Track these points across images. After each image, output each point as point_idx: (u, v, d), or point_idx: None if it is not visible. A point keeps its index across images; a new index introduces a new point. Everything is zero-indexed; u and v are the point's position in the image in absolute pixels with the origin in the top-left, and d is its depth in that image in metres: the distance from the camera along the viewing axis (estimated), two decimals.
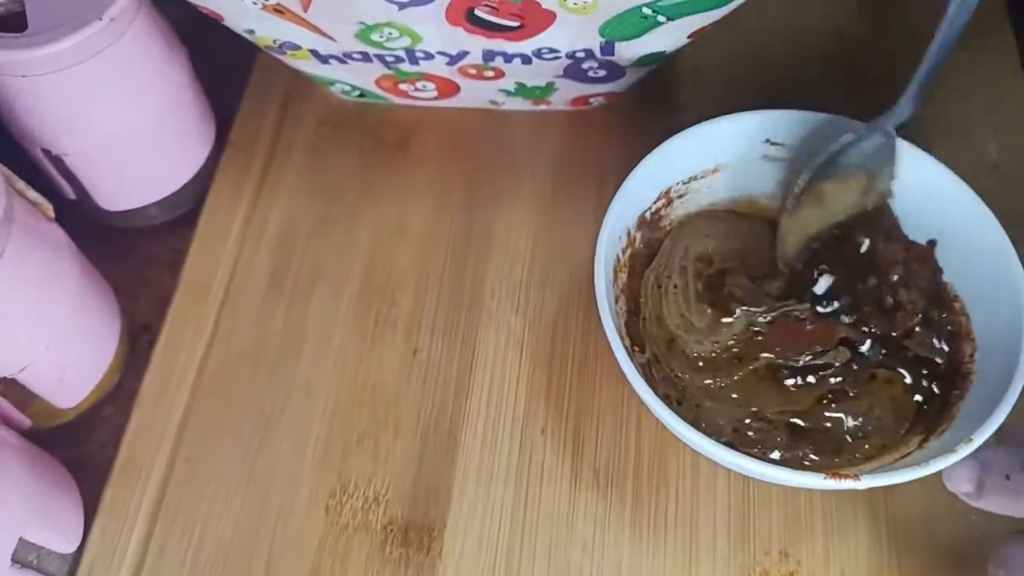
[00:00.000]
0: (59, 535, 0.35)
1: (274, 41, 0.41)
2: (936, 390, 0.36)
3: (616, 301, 0.37)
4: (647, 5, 0.35)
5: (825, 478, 0.31)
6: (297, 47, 0.41)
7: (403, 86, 0.45)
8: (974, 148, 0.46)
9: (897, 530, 0.37)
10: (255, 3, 0.36)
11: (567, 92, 0.45)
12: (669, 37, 0.38)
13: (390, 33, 0.39)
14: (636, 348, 0.37)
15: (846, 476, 0.30)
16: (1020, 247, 0.43)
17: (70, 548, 0.36)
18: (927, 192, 0.37)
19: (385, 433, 0.39)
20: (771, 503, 0.37)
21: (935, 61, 0.36)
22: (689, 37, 0.39)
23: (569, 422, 0.39)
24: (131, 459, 0.39)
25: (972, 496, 0.31)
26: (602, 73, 0.42)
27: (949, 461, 0.31)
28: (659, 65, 0.42)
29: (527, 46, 0.39)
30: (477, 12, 0.36)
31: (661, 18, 0.36)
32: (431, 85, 0.45)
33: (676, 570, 0.36)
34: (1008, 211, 0.44)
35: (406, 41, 0.39)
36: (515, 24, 0.37)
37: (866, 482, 0.31)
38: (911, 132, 0.38)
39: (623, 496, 0.38)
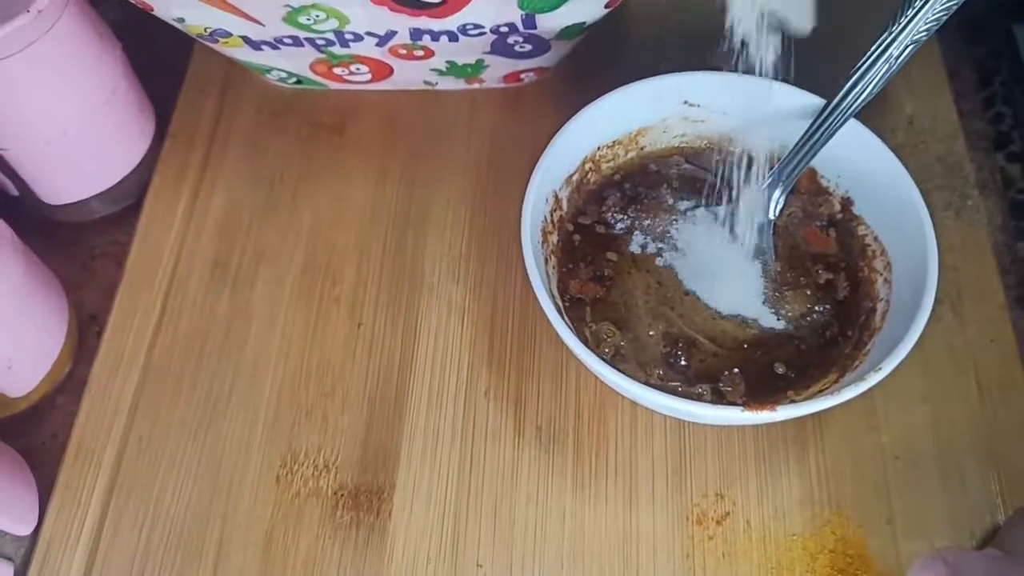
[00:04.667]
0: (14, 518, 0.36)
1: (205, 29, 0.41)
2: (851, 331, 0.38)
3: (547, 261, 0.38)
4: None
5: (743, 410, 0.32)
6: (228, 34, 0.42)
7: (337, 70, 0.47)
8: (891, 104, 0.48)
9: (826, 469, 0.39)
10: None
11: (497, 69, 0.46)
12: (586, 7, 0.40)
13: (317, 15, 0.40)
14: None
15: (763, 408, 0.32)
16: (933, 193, 0.45)
17: (25, 531, 0.37)
18: (845, 146, 0.39)
19: (333, 405, 0.41)
20: (706, 450, 0.39)
21: (798, 159, 0.39)
22: (606, 7, 0.40)
23: (511, 383, 0.41)
24: (83, 443, 0.40)
25: None
26: (528, 47, 0.44)
27: (859, 389, 0.33)
28: (584, 37, 0.44)
29: (451, 23, 0.40)
30: None
31: None
32: (365, 68, 0.46)
33: (617, 516, 0.38)
34: (922, 161, 0.46)
35: (334, 23, 0.40)
36: (437, 0, 0.38)
37: (782, 413, 0.32)
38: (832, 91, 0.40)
39: (564, 450, 0.39)
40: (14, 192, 0.44)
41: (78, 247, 0.46)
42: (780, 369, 0.37)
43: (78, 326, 0.43)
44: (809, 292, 0.39)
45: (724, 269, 0.40)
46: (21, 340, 0.39)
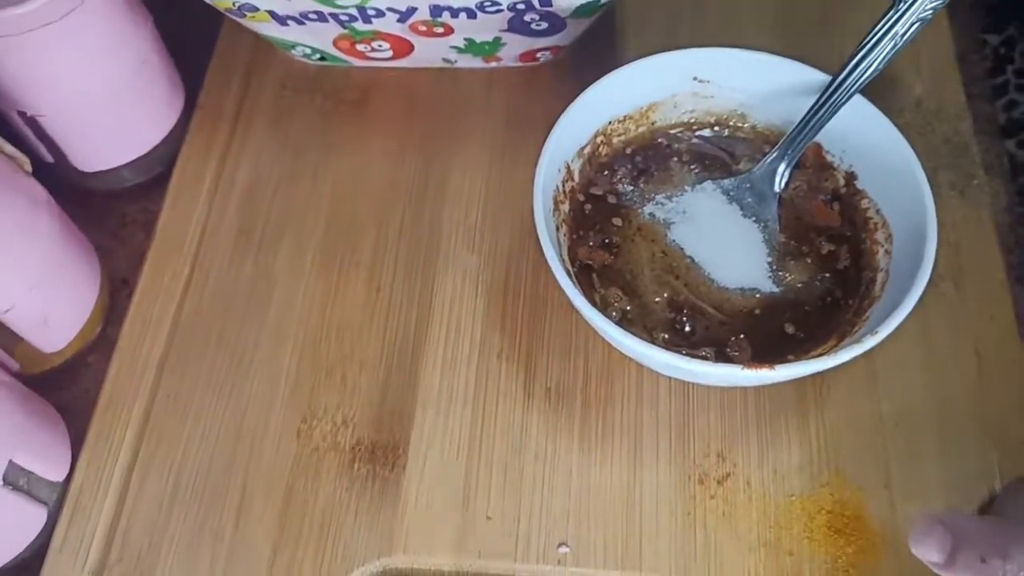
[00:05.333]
0: (47, 463, 0.38)
1: (233, 3, 0.43)
2: (852, 300, 0.39)
3: (558, 229, 0.40)
4: None
5: (742, 369, 0.34)
6: (255, 8, 0.44)
7: (360, 47, 0.48)
8: (900, 85, 0.49)
9: (826, 434, 0.40)
10: None
11: (514, 47, 0.48)
12: None
13: None
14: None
15: (761, 367, 0.33)
16: (938, 173, 0.46)
17: (58, 476, 0.39)
18: (850, 122, 0.40)
19: (351, 365, 0.42)
20: (709, 411, 0.40)
21: (803, 134, 0.40)
22: None
23: (522, 347, 0.42)
24: (114, 396, 0.42)
25: (940, 567, 0.30)
26: (544, 25, 0.45)
27: (855, 352, 0.34)
28: (600, 16, 0.45)
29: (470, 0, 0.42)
30: None
31: None
32: (386, 44, 0.48)
33: (621, 473, 0.39)
34: (928, 141, 0.47)
35: None
36: None
37: (780, 372, 0.33)
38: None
39: (572, 410, 0.40)
40: (49, 159, 0.46)
41: (110, 214, 0.48)
42: (790, 329, 0.39)
43: (109, 289, 0.45)
44: (811, 262, 0.40)
45: (730, 240, 0.41)
46: (56, 298, 0.41)
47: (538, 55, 0.49)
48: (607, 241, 0.41)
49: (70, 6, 0.38)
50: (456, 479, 0.39)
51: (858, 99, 0.39)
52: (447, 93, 0.50)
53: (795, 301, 0.39)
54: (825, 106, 0.39)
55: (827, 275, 0.40)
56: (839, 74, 0.39)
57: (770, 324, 0.39)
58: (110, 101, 0.43)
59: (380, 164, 0.48)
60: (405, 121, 0.50)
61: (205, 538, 0.38)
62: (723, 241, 0.41)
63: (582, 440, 0.40)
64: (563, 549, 0.37)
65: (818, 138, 0.41)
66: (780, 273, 0.40)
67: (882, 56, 0.38)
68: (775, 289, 0.40)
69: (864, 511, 0.38)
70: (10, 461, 0.35)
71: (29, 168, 0.39)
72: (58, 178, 0.44)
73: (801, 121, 0.40)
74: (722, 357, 0.38)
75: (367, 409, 0.41)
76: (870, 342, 0.34)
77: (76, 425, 0.41)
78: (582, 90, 0.41)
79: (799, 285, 0.40)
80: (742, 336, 0.38)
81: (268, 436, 0.40)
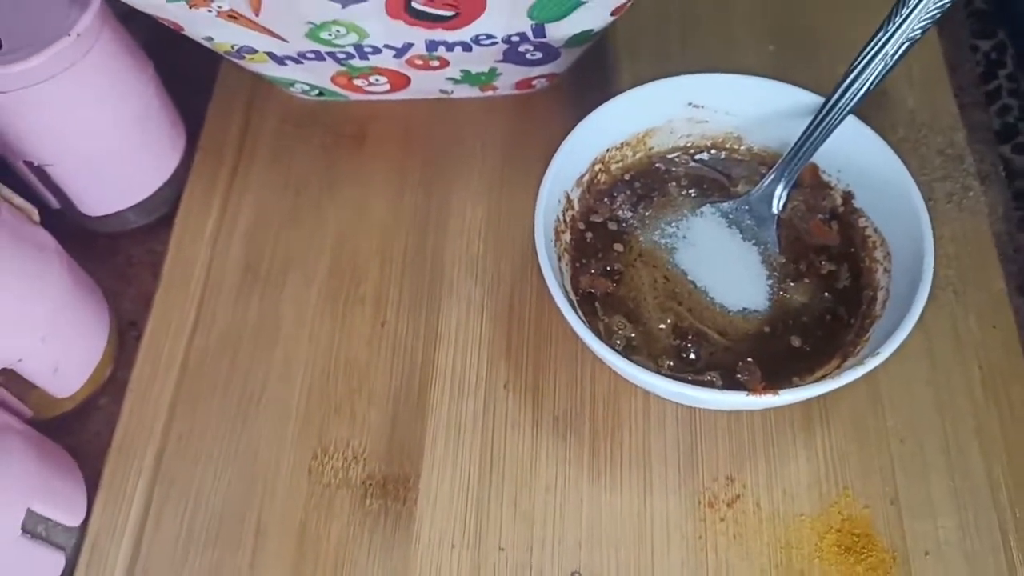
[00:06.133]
0: (64, 510, 0.38)
1: (232, 46, 0.44)
2: (853, 319, 0.39)
3: (560, 259, 0.40)
4: None
5: (747, 395, 0.34)
6: (254, 51, 0.44)
7: (357, 81, 0.49)
8: (892, 99, 0.50)
9: (833, 452, 0.40)
10: (210, 11, 0.40)
11: (510, 76, 0.48)
12: (593, 15, 0.42)
13: (338, 31, 0.42)
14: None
15: (766, 392, 0.34)
16: (934, 185, 0.47)
17: (75, 521, 0.39)
18: (845, 142, 0.41)
19: (360, 400, 0.43)
20: (716, 434, 0.41)
21: (799, 156, 0.40)
22: (612, 14, 0.42)
23: (529, 376, 0.43)
24: (126, 440, 0.42)
25: None
26: (539, 55, 0.46)
27: (858, 373, 0.34)
28: (593, 44, 0.46)
29: (465, 34, 0.42)
30: (414, 5, 0.40)
31: None
32: (383, 79, 0.48)
33: (632, 501, 0.39)
34: (923, 154, 0.48)
35: (353, 37, 0.43)
36: (450, 13, 0.41)
37: (784, 396, 0.34)
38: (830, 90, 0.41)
39: (581, 439, 0.41)
40: (55, 205, 0.46)
41: (116, 256, 0.49)
42: (796, 343, 0.39)
43: (118, 332, 0.46)
44: (812, 282, 0.41)
45: (731, 264, 0.41)
46: (67, 345, 0.41)
47: (534, 83, 0.50)
48: (609, 268, 0.41)
49: (73, 59, 0.39)
50: (468, 511, 0.39)
51: (851, 119, 0.40)
52: (445, 123, 0.51)
53: (798, 321, 0.40)
54: (819, 128, 0.40)
55: (828, 295, 0.40)
56: (831, 96, 0.39)
57: (775, 344, 0.39)
58: (115, 147, 0.44)
59: (381, 196, 0.49)
60: (404, 152, 0.50)
61: None
62: (724, 264, 0.41)
63: (591, 468, 0.40)
64: None
65: (814, 158, 0.42)
66: (781, 294, 0.40)
67: (873, 76, 0.39)
68: (777, 310, 0.40)
69: (872, 528, 0.38)
70: (28, 509, 0.36)
71: (37, 218, 0.40)
72: (64, 223, 0.45)
73: (796, 143, 0.41)
74: (731, 381, 0.38)
75: (377, 443, 0.41)
76: (872, 363, 0.35)
77: (89, 468, 0.42)
78: (579, 116, 0.42)
79: (801, 305, 0.40)
80: (750, 359, 0.39)
81: (280, 475, 0.41)
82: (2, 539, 0.35)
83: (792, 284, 0.41)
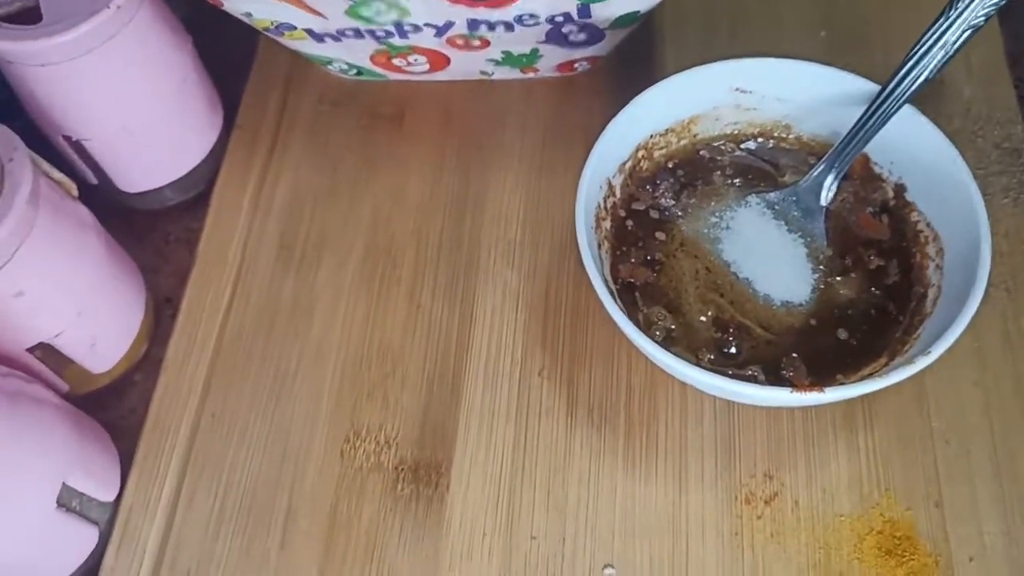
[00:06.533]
0: (98, 484, 0.38)
1: (271, 23, 0.43)
2: (902, 316, 0.38)
3: (600, 246, 0.39)
4: None
5: (791, 392, 0.33)
6: (293, 27, 0.44)
7: (396, 61, 0.48)
8: (949, 90, 0.48)
9: (875, 452, 0.39)
10: None
11: (552, 58, 0.47)
12: None
13: (378, 8, 0.41)
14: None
15: (811, 389, 0.33)
16: (990, 179, 0.45)
17: (109, 497, 0.39)
18: (899, 132, 0.39)
19: (393, 384, 0.42)
20: (755, 429, 0.40)
21: (851, 146, 0.39)
22: None
23: (564, 364, 0.42)
24: (160, 417, 0.42)
25: None
26: (582, 36, 0.45)
27: (908, 372, 0.33)
28: (637, 26, 0.45)
29: (508, 13, 0.42)
30: None
31: None
32: (423, 59, 0.48)
33: (667, 494, 0.39)
34: (979, 147, 0.46)
35: (394, 15, 0.42)
36: None
37: (830, 394, 0.33)
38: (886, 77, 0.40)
39: (616, 429, 0.40)
40: (93, 181, 0.46)
41: (153, 234, 0.49)
42: (843, 335, 0.38)
43: (154, 308, 0.46)
44: (859, 277, 0.39)
45: (775, 256, 0.40)
46: (103, 320, 0.41)
47: (576, 65, 0.49)
48: (649, 258, 0.40)
49: (111, 32, 0.39)
50: (500, 499, 0.39)
51: (907, 108, 0.39)
52: (484, 105, 0.50)
53: (844, 316, 0.39)
54: (873, 117, 0.39)
55: (876, 290, 0.39)
56: (888, 84, 0.38)
57: (820, 340, 0.38)
58: (153, 123, 0.44)
59: (418, 178, 0.48)
60: (442, 134, 0.50)
61: (252, 559, 0.39)
62: (769, 256, 0.40)
63: (626, 459, 0.39)
64: (609, 571, 0.37)
65: (866, 149, 0.40)
66: (827, 289, 0.39)
67: (932, 64, 0.37)
68: (823, 305, 0.39)
69: (914, 532, 0.37)
70: (63, 484, 0.36)
71: (76, 193, 0.40)
72: (102, 199, 0.45)
73: (849, 133, 0.39)
74: (774, 376, 0.37)
75: (410, 428, 0.41)
76: (923, 362, 0.33)
77: (123, 444, 0.42)
78: (621, 100, 0.41)
79: (847, 300, 0.39)
80: (794, 355, 0.38)
81: (312, 456, 0.41)
82: (38, 512, 0.35)
83: (839, 278, 0.39)
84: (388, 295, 0.45)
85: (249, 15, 0.43)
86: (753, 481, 0.39)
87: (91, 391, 0.43)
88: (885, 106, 0.38)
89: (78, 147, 0.43)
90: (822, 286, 0.39)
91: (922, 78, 0.37)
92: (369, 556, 0.38)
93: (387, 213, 0.47)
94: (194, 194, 0.49)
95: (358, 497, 0.40)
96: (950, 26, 0.36)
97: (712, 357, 0.38)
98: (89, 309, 0.40)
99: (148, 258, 0.48)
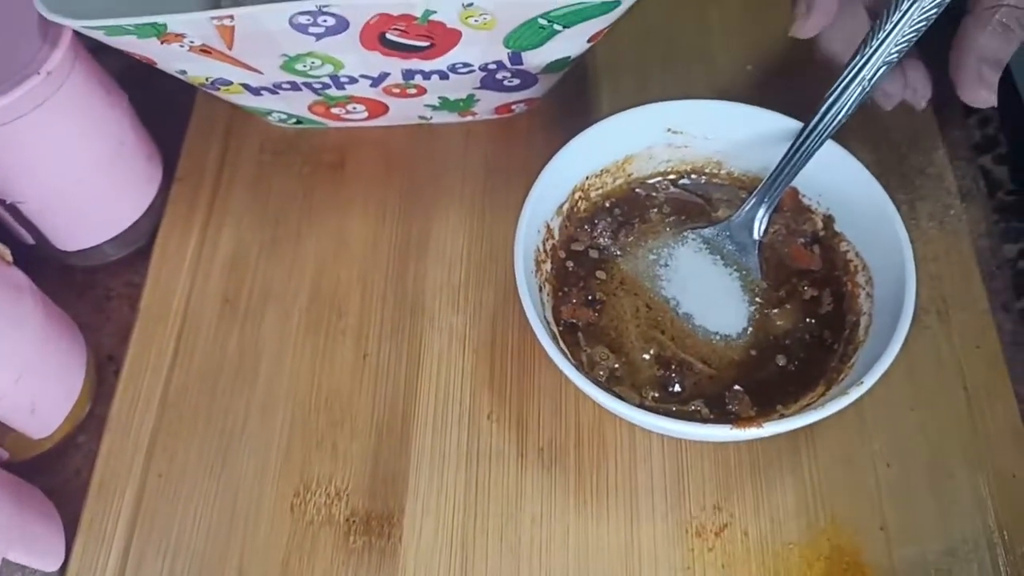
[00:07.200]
0: (41, 555, 0.37)
1: (206, 79, 0.43)
2: (837, 344, 0.39)
3: (541, 289, 0.40)
4: (541, 16, 0.38)
5: (731, 428, 0.34)
6: (229, 82, 0.44)
7: (335, 110, 0.48)
8: (872, 120, 0.50)
9: (820, 478, 0.40)
10: (182, 46, 0.39)
11: (489, 102, 0.48)
12: (570, 43, 0.41)
13: (312, 62, 0.41)
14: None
15: (750, 425, 0.34)
16: (916, 204, 0.47)
17: (53, 567, 0.38)
18: (824, 166, 0.40)
19: (342, 434, 0.42)
20: (703, 462, 0.40)
21: (779, 180, 0.40)
22: (589, 41, 0.42)
23: (512, 407, 0.42)
24: (105, 480, 0.41)
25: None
26: (516, 81, 0.46)
27: (843, 403, 0.34)
28: (571, 68, 0.46)
29: (441, 63, 0.42)
30: (389, 36, 0.39)
31: (558, 27, 0.39)
32: (361, 107, 0.48)
33: (619, 531, 0.39)
34: (903, 173, 0.48)
35: (329, 68, 0.42)
36: (425, 44, 0.40)
37: (768, 429, 0.34)
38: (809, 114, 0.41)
39: (566, 469, 0.40)
40: (30, 241, 0.46)
41: (93, 290, 0.48)
42: (781, 361, 0.39)
43: (96, 367, 0.45)
44: (794, 308, 0.40)
45: (713, 290, 0.41)
46: (43, 384, 0.41)
47: (513, 107, 0.50)
48: (591, 298, 0.41)
49: (43, 96, 0.39)
50: (454, 546, 0.39)
51: (830, 143, 0.40)
52: (425, 148, 0.51)
53: (782, 346, 0.40)
54: (799, 152, 0.40)
55: (811, 320, 0.40)
56: (810, 121, 0.39)
57: (761, 371, 0.39)
58: (90, 183, 0.43)
59: (361, 225, 0.48)
60: (384, 179, 0.50)
61: None
62: (707, 291, 0.41)
63: (577, 498, 0.40)
64: None
65: (795, 183, 0.41)
66: (764, 321, 0.40)
67: (851, 100, 0.39)
68: (760, 337, 0.40)
69: (861, 557, 0.38)
70: (4, 559, 0.35)
71: (10, 259, 0.39)
72: (39, 257, 0.44)
73: (776, 168, 0.41)
74: (720, 410, 0.38)
75: (360, 478, 0.41)
76: (855, 393, 0.34)
77: (68, 508, 0.41)
78: (559, 138, 0.42)
79: (784, 332, 0.40)
80: (737, 387, 0.39)
81: (262, 513, 0.40)
82: None
83: (775, 310, 0.40)
84: (334, 344, 0.45)
85: (184, 72, 0.43)
86: (703, 514, 0.39)
87: (33, 456, 0.42)
88: (808, 142, 0.39)
89: (12, 209, 0.43)
90: (758, 317, 0.40)
91: (842, 114, 0.39)
92: None
93: (331, 261, 0.47)
94: (135, 248, 0.49)
95: (310, 552, 0.39)
96: (866, 63, 0.38)
97: (656, 395, 0.38)
98: (28, 375, 0.39)
99: (88, 315, 0.47)
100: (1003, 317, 0.45)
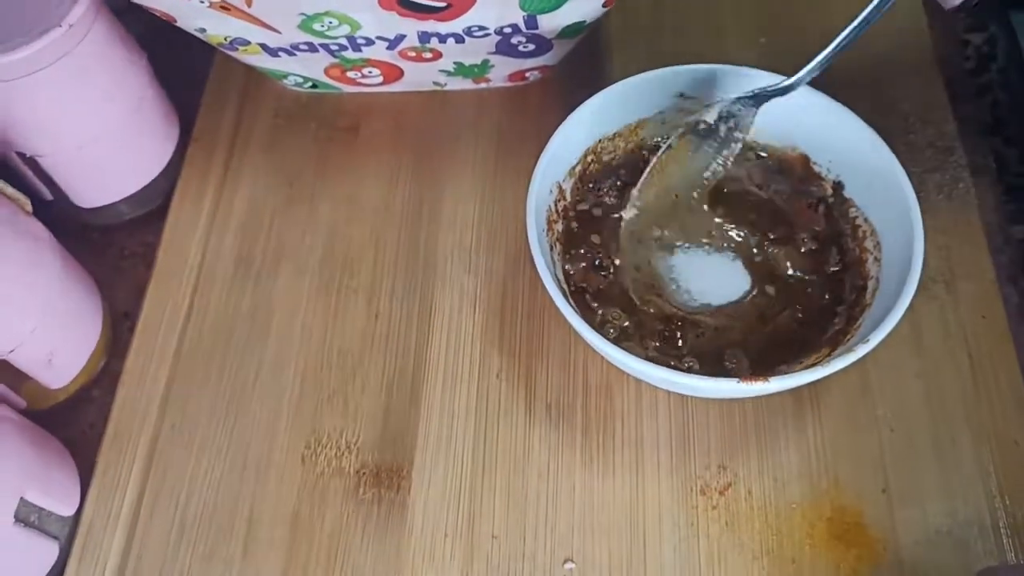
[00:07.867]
0: (57, 498, 0.38)
1: (225, 38, 0.44)
2: (842, 308, 0.40)
3: (552, 248, 0.40)
4: None
5: (738, 382, 0.34)
6: (247, 42, 0.44)
7: (351, 74, 0.49)
8: (883, 92, 0.50)
9: (824, 441, 0.41)
10: (202, 2, 0.40)
11: (503, 68, 0.49)
12: (586, 6, 0.42)
13: (330, 22, 0.42)
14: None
15: (756, 380, 0.34)
16: (925, 177, 0.47)
17: (68, 511, 0.39)
18: (835, 133, 0.41)
19: (353, 390, 0.43)
20: (708, 423, 0.41)
21: (843, 46, 0.40)
22: (604, 5, 0.42)
23: (521, 365, 0.43)
24: (119, 431, 0.42)
25: None
26: (531, 47, 0.46)
27: (847, 361, 0.34)
28: (586, 36, 0.46)
29: (457, 25, 0.43)
30: None
31: None
32: (376, 71, 0.49)
33: (624, 488, 0.40)
34: (913, 145, 0.48)
35: (346, 29, 0.43)
36: (442, 5, 0.41)
37: (775, 384, 0.34)
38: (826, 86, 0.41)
39: (573, 426, 0.41)
40: (48, 197, 0.46)
41: (109, 248, 0.49)
42: (785, 328, 0.39)
43: (111, 323, 0.46)
44: (794, 255, 0.41)
45: (714, 254, 0.42)
46: (60, 335, 0.41)
47: (527, 74, 0.50)
48: (598, 263, 0.41)
49: (64, 50, 0.39)
50: (461, 499, 0.40)
51: (842, 110, 0.40)
52: (438, 115, 0.51)
53: (787, 307, 0.40)
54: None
55: (815, 277, 0.40)
56: None
57: (763, 329, 0.40)
58: (108, 139, 0.44)
59: (374, 188, 0.49)
60: (397, 145, 0.50)
61: (215, 569, 0.39)
62: (707, 257, 0.41)
63: (584, 455, 0.40)
64: (569, 566, 0.38)
65: (805, 148, 0.42)
66: (769, 272, 0.41)
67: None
68: (765, 293, 0.40)
69: (863, 518, 0.39)
70: (21, 498, 0.36)
71: (30, 208, 0.40)
72: (57, 215, 0.45)
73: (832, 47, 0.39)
74: (719, 369, 0.38)
75: (370, 433, 0.42)
76: (862, 350, 0.35)
77: (83, 459, 0.42)
78: (572, 107, 0.42)
79: (788, 292, 0.40)
80: (737, 347, 0.39)
81: (273, 464, 0.41)
82: None
83: (775, 250, 0.41)
84: (346, 303, 0.45)
85: (203, 30, 0.43)
86: (708, 473, 0.40)
87: (49, 407, 0.43)
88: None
89: (32, 163, 0.43)
90: (759, 275, 0.41)
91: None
92: (332, 561, 0.39)
93: (344, 223, 0.48)
94: (150, 208, 0.49)
95: (320, 503, 0.40)
96: None
97: (657, 345, 0.39)
98: (44, 324, 0.40)
99: (105, 273, 0.48)
100: (1010, 290, 0.45)
